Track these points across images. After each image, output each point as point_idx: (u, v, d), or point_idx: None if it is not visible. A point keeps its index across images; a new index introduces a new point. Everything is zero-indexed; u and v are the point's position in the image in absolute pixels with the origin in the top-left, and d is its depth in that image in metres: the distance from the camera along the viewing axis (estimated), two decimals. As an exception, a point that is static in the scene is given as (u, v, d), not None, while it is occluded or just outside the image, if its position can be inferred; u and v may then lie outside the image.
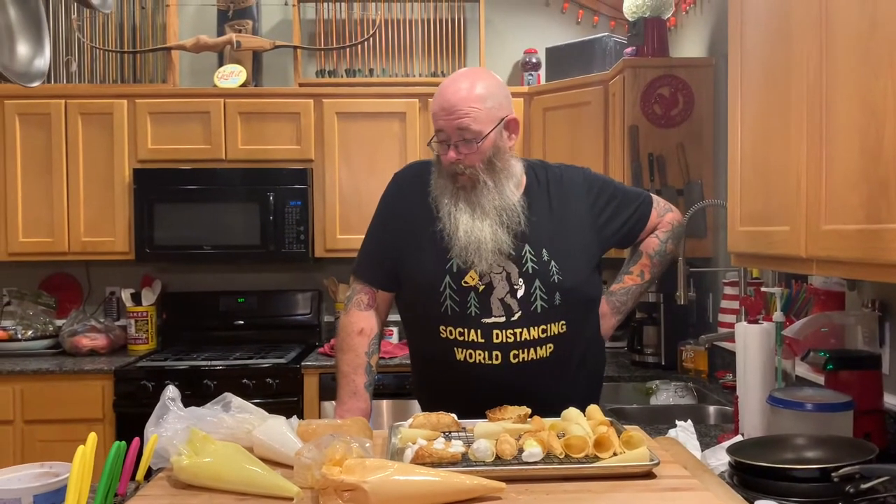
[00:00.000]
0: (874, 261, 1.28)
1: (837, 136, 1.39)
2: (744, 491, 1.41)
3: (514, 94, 1.99)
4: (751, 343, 1.96)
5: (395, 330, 3.72)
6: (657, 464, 1.33)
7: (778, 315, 2.00)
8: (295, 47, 3.87)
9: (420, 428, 1.50)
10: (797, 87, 1.54)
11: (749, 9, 1.82)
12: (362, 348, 1.94)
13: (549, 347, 1.83)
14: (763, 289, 2.45)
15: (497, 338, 1.81)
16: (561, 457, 1.35)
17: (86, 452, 1.17)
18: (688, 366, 3.11)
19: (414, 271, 1.89)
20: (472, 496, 1.23)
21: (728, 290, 2.94)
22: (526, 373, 1.82)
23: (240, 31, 3.83)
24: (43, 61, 1.71)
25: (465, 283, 1.82)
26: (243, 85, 3.74)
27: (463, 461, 1.34)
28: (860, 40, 1.31)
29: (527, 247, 1.84)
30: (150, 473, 1.39)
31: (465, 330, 1.82)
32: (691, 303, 2.96)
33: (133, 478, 1.36)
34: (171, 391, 1.46)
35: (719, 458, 1.70)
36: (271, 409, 1.58)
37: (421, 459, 1.33)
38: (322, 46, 3.94)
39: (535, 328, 1.82)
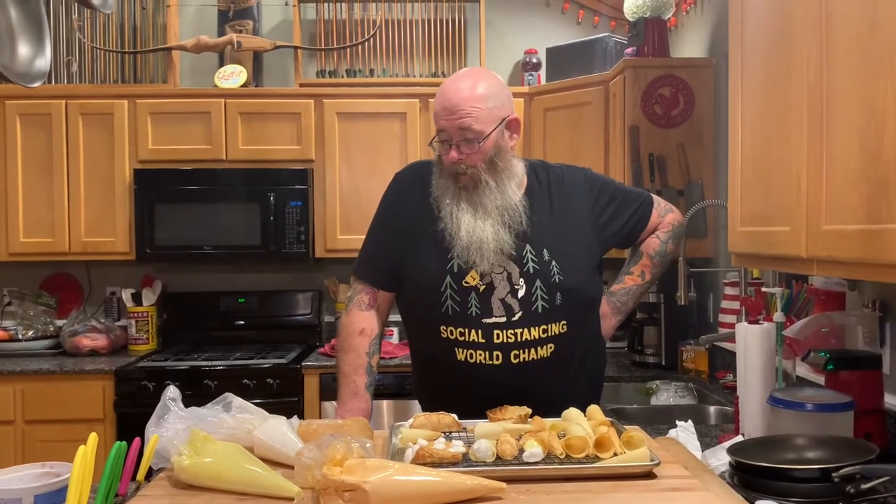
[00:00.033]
0: (874, 261, 1.28)
1: (838, 136, 1.39)
2: (744, 491, 1.41)
3: (515, 95, 1.99)
4: (751, 343, 1.96)
5: (395, 330, 3.71)
6: (658, 464, 1.33)
7: (778, 315, 2.00)
8: (295, 47, 3.87)
9: (421, 428, 1.50)
10: (797, 87, 1.54)
11: (749, 9, 1.82)
12: (363, 348, 1.94)
13: (550, 348, 1.83)
14: (763, 289, 2.44)
15: (498, 338, 1.81)
16: (561, 457, 1.35)
17: (87, 452, 1.17)
18: (688, 366, 3.11)
19: (415, 271, 1.89)
20: (472, 496, 1.23)
21: (728, 291, 2.94)
22: (526, 373, 1.82)
23: (240, 32, 3.83)
24: (44, 62, 1.71)
25: (466, 283, 1.82)
26: (244, 85, 3.74)
27: (463, 461, 1.34)
28: (860, 40, 1.31)
29: (528, 247, 1.84)
30: (150, 473, 1.39)
31: (466, 330, 1.82)
32: (692, 303, 2.96)
33: (134, 478, 1.37)
34: (172, 391, 1.46)
35: (720, 458, 1.70)
36: (272, 409, 1.58)
37: (421, 459, 1.33)
38: (322, 47, 3.94)
39: (536, 328, 1.82)
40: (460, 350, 1.83)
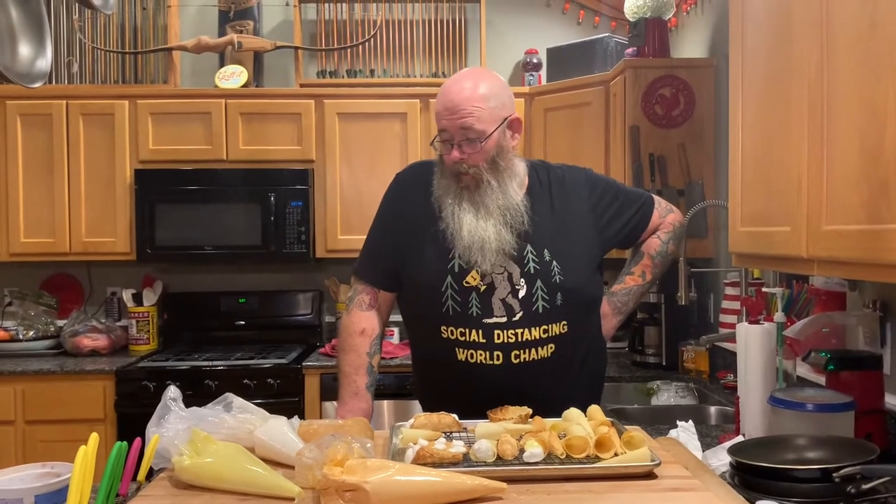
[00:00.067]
0: (875, 261, 1.28)
1: (838, 136, 1.39)
2: (745, 491, 1.41)
3: (515, 95, 1.99)
4: (752, 343, 1.96)
5: (396, 330, 3.72)
6: (658, 464, 1.33)
7: (779, 315, 2.00)
8: (296, 48, 3.87)
9: (421, 428, 1.50)
10: (798, 87, 1.54)
11: (750, 9, 1.82)
12: (364, 349, 1.94)
13: (551, 348, 1.83)
14: (764, 289, 2.44)
15: (498, 338, 1.81)
16: (562, 457, 1.35)
17: (87, 453, 1.17)
18: (689, 366, 3.11)
19: (415, 271, 1.89)
20: (473, 496, 1.23)
21: (729, 291, 2.94)
22: (527, 373, 1.82)
23: (241, 32, 3.83)
24: (44, 62, 1.71)
25: (467, 283, 1.83)
26: (244, 85, 3.74)
27: (464, 461, 1.34)
28: (860, 41, 1.32)
29: (529, 247, 1.84)
30: (151, 474, 1.39)
31: (467, 330, 1.82)
32: (692, 303, 2.96)
33: (134, 478, 1.37)
34: (173, 391, 1.46)
35: (720, 458, 1.70)
36: (272, 409, 1.58)
37: (422, 460, 1.33)
38: (323, 47, 3.94)
39: (537, 328, 1.82)
40: (461, 350, 1.83)
